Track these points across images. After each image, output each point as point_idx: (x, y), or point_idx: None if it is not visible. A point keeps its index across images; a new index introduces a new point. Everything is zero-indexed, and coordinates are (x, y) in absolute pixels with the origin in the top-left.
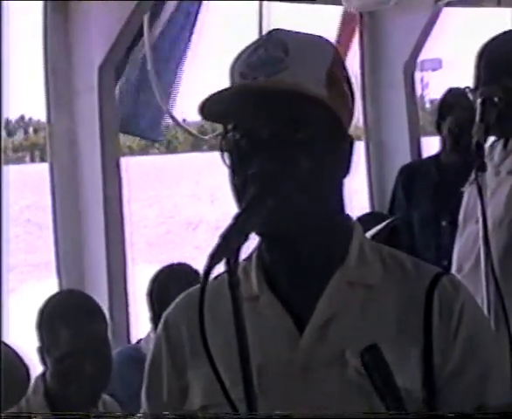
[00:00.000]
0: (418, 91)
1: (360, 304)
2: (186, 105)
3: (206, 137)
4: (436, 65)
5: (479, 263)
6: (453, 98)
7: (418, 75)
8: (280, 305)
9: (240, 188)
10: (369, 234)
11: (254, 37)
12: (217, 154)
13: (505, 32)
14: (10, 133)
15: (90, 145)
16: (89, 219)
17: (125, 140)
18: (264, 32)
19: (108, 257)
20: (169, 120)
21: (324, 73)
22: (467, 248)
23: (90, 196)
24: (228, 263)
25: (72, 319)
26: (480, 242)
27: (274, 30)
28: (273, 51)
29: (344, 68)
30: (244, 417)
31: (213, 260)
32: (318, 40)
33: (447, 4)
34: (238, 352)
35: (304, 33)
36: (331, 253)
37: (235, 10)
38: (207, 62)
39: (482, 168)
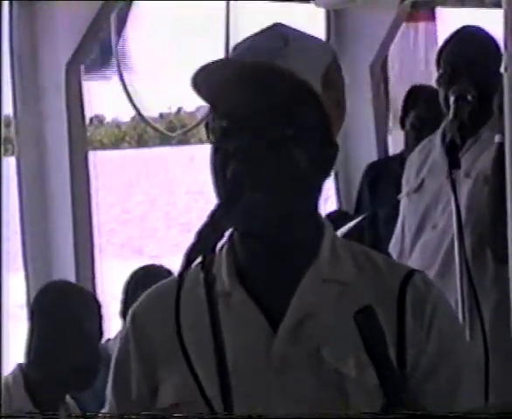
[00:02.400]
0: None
1: (334, 301)
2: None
3: (173, 134)
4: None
5: (446, 269)
6: (416, 94)
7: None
8: (253, 302)
9: (219, 169)
10: (340, 232)
11: (222, 36)
12: (186, 148)
13: (467, 28)
14: None
15: (58, 140)
16: (57, 213)
17: (96, 134)
18: (231, 31)
19: (76, 252)
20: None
21: (320, 73)
22: (426, 255)
23: (57, 191)
24: (204, 260)
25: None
26: (456, 244)
27: (278, 23)
28: (273, 40)
29: (340, 75)
30: (220, 417)
31: (189, 258)
32: (319, 41)
33: (413, 4)
34: (213, 349)
35: (307, 33)
36: (304, 250)
37: (202, 10)
38: (177, 60)
39: (456, 165)
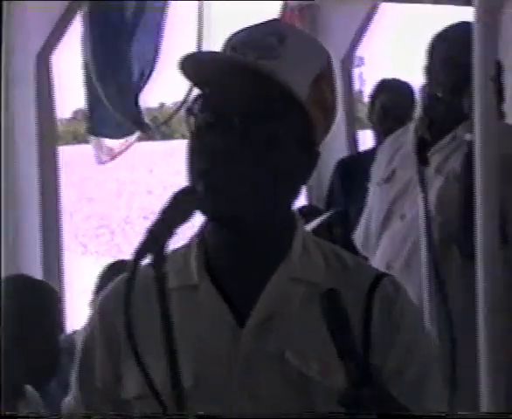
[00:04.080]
0: (357, 86)
1: (301, 301)
2: None
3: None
4: (358, 61)
5: (410, 262)
6: (381, 86)
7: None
8: (220, 296)
9: (196, 159)
10: (309, 227)
11: (194, 35)
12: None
13: (451, 27)
14: None
15: (27, 133)
16: (25, 209)
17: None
18: (203, 31)
19: (43, 248)
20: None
21: (311, 78)
22: (393, 246)
23: (26, 185)
24: (155, 257)
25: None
26: (422, 238)
27: (276, 19)
28: (269, 36)
29: (332, 81)
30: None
31: (139, 255)
32: (315, 43)
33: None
34: (164, 346)
35: (305, 33)
36: (275, 247)
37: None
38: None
39: (426, 162)
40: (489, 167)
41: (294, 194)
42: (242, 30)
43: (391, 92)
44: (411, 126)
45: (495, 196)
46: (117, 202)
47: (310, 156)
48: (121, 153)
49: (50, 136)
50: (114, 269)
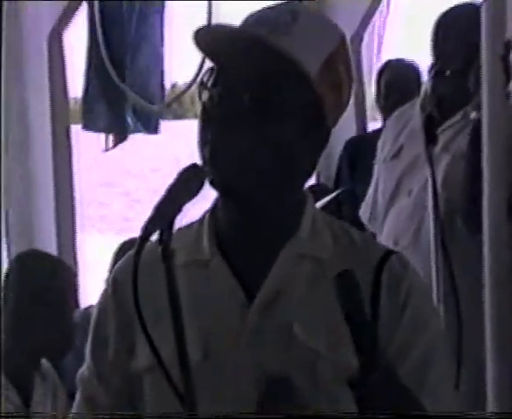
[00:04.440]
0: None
1: (309, 277)
2: None
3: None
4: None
5: (417, 238)
6: (385, 66)
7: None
8: (230, 272)
9: (206, 131)
10: (318, 205)
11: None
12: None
13: (459, 6)
14: None
15: (40, 112)
16: (39, 187)
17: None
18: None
19: (58, 226)
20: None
21: (322, 56)
22: (400, 222)
23: (40, 164)
24: (161, 234)
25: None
26: (430, 215)
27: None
28: (283, 14)
29: (348, 59)
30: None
31: (146, 232)
32: (330, 23)
33: None
34: (171, 320)
35: (320, 13)
36: (284, 223)
37: (184, 9)
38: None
39: (434, 140)
40: (496, 144)
41: (305, 172)
42: (258, 11)
43: (395, 71)
44: (418, 102)
45: (502, 173)
46: (133, 181)
47: (320, 135)
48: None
49: (63, 115)
50: (129, 246)
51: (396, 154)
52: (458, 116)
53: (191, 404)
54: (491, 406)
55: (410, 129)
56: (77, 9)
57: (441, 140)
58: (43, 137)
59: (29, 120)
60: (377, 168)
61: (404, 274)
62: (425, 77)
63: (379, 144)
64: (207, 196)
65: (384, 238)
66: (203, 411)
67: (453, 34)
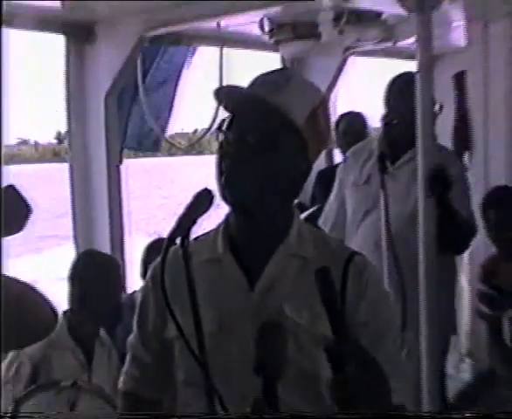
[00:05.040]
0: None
1: (297, 271)
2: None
3: (180, 145)
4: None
5: (377, 248)
6: (340, 117)
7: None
8: (238, 266)
9: (221, 163)
10: (301, 217)
11: (216, 78)
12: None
13: (403, 74)
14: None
15: (98, 152)
16: (98, 204)
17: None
18: (223, 74)
19: (111, 232)
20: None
21: (307, 110)
22: (365, 235)
23: (98, 188)
24: (182, 240)
25: (93, 267)
26: (383, 230)
27: (286, 67)
28: (279, 78)
29: (327, 113)
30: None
31: (170, 238)
32: (314, 86)
33: (353, 54)
34: (190, 308)
35: (307, 79)
36: (278, 231)
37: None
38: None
39: (385, 171)
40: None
41: (293, 194)
42: (262, 75)
43: (348, 120)
44: (374, 143)
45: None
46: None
47: (305, 167)
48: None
49: (114, 154)
50: (154, 245)
51: (366, 181)
52: (408, 155)
53: (205, 365)
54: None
55: (373, 161)
56: (127, 74)
57: (399, 172)
58: (100, 172)
59: (90, 157)
60: (349, 191)
61: (364, 269)
62: (369, 123)
63: (341, 172)
64: (218, 213)
65: (364, 241)
66: (217, 372)
67: (401, 94)
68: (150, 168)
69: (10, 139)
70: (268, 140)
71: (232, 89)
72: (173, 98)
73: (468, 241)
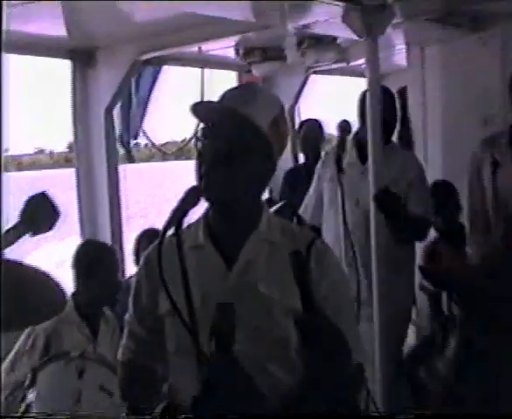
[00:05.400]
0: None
1: (267, 254)
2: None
3: (170, 152)
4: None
5: (338, 235)
6: (301, 124)
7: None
8: (217, 252)
9: (199, 167)
10: (271, 210)
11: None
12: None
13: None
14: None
15: (100, 156)
16: (100, 202)
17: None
18: (204, 92)
19: (112, 225)
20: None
21: (270, 118)
22: (330, 224)
23: (100, 189)
24: (176, 230)
25: (95, 254)
26: (340, 221)
27: (253, 83)
28: (247, 92)
29: (284, 120)
30: None
31: (165, 228)
32: (275, 97)
33: (314, 73)
34: (182, 286)
35: (269, 92)
36: (250, 221)
37: (182, 76)
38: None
39: (342, 171)
40: (376, 173)
41: (261, 189)
42: (231, 90)
43: (308, 127)
44: (349, 144)
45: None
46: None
47: (271, 166)
48: None
49: (114, 159)
50: (144, 234)
51: (343, 174)
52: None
53: (195, 334)
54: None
55: (347, 161)
56: (124, 91)
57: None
58: (101, 174)
59: (93, 161)
60: (324, 185)
61: (324, 252)
62: (325, 129)
63: (320, 169)
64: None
65: (334, 227)
66: (203, 340)
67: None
68: (145, 171)
69: (30, 149)
70: (240, 145)
71: (206, 104)
72: (143, 113)
73: (423, 235)
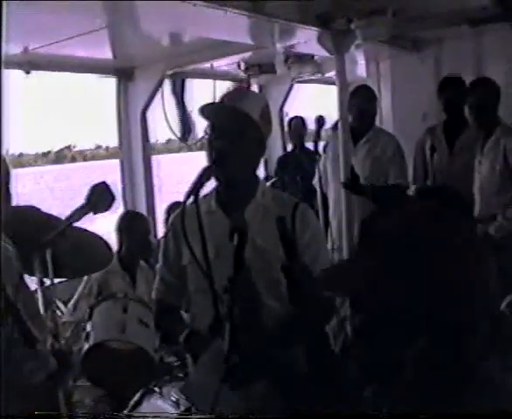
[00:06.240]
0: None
1: (262, 216)
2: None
3: (188, 142)
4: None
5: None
6: (290, 120)
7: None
8: (225, 216)
9: (209, 154)
10: (268, 183)
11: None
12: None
13: (361, 87)
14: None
15: (137, 149)
16: (138, 185)
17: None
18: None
19: (147, 200)
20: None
21: (259, 109)
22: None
23: (138, 176)
24: (195, 198)
25: (132, 221)
26: (318, 202)
27: (249, 89)
28: (239, 93)
29: (268, 110)
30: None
31: (186, 197)
32: (262, 95)
33: (297, 82)
34: (200, 242)
35: (258, 92)
36: (249, 192)
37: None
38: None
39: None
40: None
41: (256, 166)
42: (229, 92)
43: (295, 122)
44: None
45: None
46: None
47: (262, 148)
48: None
49: (148, 150)
50: (173, 205)
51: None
52: (363, 140)
53: (210, 278)
54: None
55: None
56: (154, 97)
57: (362, 150)
58: (137, 164)
59: (133, 154)
60: (329, 165)
61: (306, 212)
62: (307, 124)
63: (324, 153)
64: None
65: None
66: (219, 284)
67: (360, 102)
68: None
69: (91, 145)
70: (240, 134)
71: (211, 104)
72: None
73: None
